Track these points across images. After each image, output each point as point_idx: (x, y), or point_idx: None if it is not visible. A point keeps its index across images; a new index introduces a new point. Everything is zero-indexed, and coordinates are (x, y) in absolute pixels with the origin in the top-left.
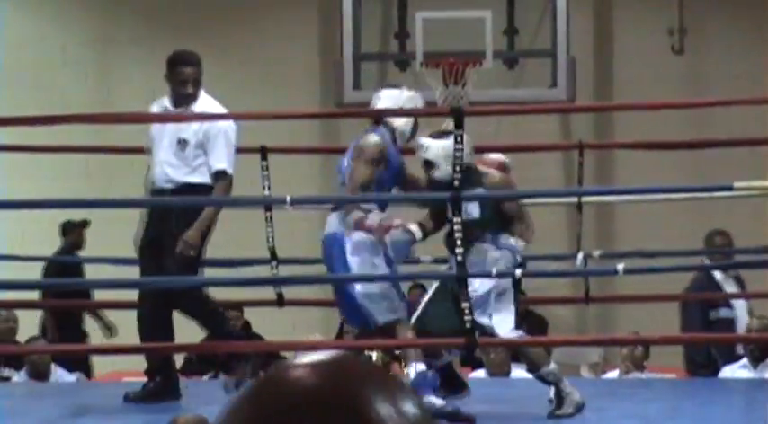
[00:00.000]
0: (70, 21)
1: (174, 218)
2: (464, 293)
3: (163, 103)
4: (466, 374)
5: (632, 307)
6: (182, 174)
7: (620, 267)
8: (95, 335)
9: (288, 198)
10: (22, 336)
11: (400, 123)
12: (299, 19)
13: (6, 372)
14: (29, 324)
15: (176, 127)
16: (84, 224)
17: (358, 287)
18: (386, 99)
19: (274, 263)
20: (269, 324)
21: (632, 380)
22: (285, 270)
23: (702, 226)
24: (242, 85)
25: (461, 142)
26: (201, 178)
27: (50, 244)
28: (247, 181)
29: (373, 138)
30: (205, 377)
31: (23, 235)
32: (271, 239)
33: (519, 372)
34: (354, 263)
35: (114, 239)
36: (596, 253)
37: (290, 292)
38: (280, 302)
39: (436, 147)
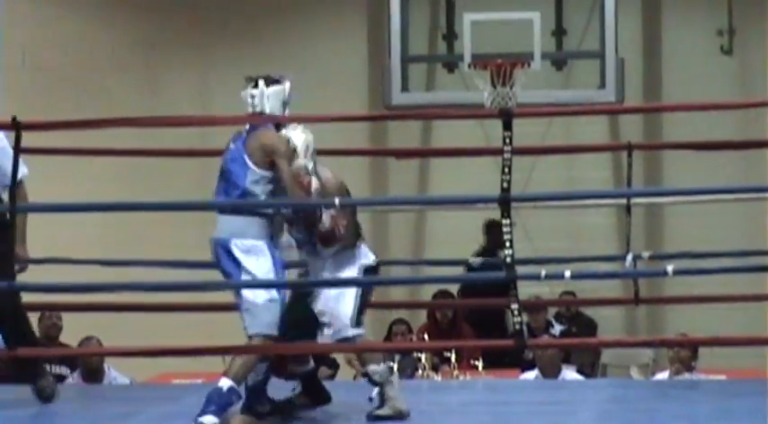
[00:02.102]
0: (119, 23)
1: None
2: (513, 294)
3: None
4: (516, 375)
5: (681, 308)
6: None
7: (670, 268)
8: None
9: (337, 201)
10: (71, 337)
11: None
12: (347, 21)
13: (59, 369)
14: (82, 325)
15: None
16: None
17: (247, 294)
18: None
19: None
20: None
21: (682, 381)
22: None
23: (751, 227)
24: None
25: (510, 144)
26: None
27: (102, 247)
28: None
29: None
30: None
31: (74, 238)
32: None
33: (570, 373)
34: (251, 267)
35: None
36: (645, 254)
37: None
38: None
39: (298, 140)
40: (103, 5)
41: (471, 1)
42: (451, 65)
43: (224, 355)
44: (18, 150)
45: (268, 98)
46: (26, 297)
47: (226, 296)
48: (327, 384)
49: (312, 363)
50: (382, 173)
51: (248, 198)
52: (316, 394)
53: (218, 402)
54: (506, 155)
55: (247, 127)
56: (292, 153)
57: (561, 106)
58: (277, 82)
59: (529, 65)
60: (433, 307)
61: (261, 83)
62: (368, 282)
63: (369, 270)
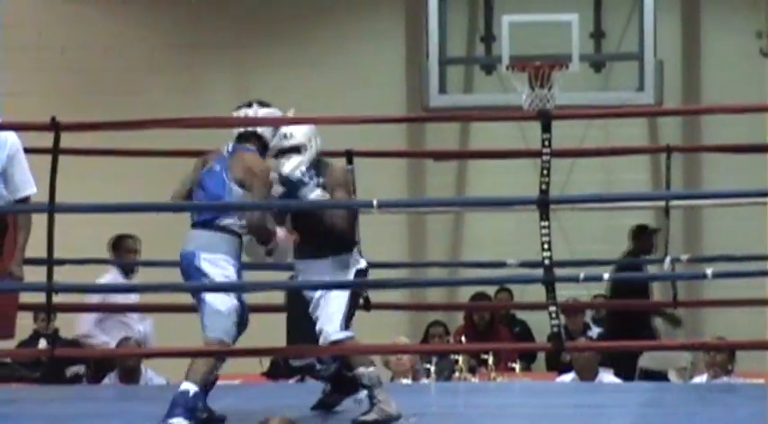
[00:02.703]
0: (159, 25)
1: None
2: (551, 297)
3: None
4: (552, 378)
5: (720, 311)
6: None
7: (710, 271)
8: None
9: (375, 202)
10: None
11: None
12: (385, 23)
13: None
14: None
15: None
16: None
17: (209, 298)
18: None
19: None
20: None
21: (719, 385)
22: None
23: None
24: (328, 89)
25: (549, 146)
26: None
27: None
28: None
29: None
30: (291, 381)
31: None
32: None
33: (608, 376)
34: (215, 276)
35: None
36: (684, 257)
37: (376, 295)
38: (366, 305)
39: (301, 132)
40: (143, 7)
41: (510, 2)
42: (489, 66)
43: (260, 356)
44: (57, 151)
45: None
46: (64, 298)
47: (262, 298)
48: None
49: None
50: (420, 175)
51: (222, 218)
52: (346, 385)
53: (184, 406)
54: (545, 157)
55: (230, 149)
56: (270, 182)
57: (600, 108)
58: (268, 105)
59: (567, 67)
60: (471, 309)
61: (255, 105)
62: (406, 283)
63: (359, 274)
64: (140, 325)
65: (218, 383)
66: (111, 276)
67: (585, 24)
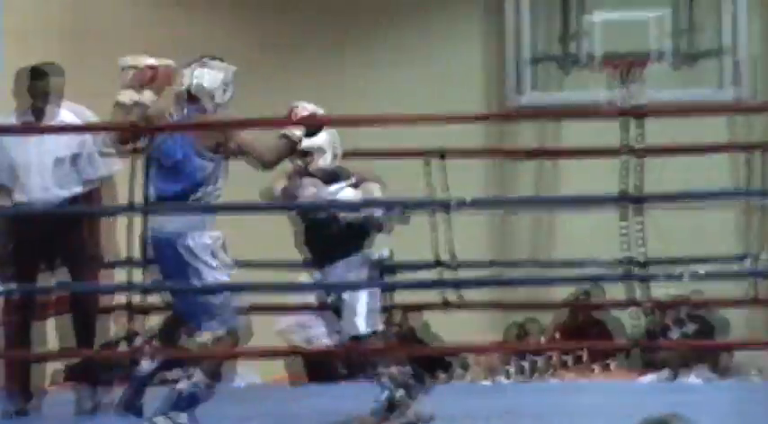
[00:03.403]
0: (251, 26)
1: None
2: (643, 295)
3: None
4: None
5: None
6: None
7: None
8: None
9: (467, 199)
10: None
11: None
12: (465, 21)
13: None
14: None
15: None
16: None
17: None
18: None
19: (446, 266)
20: (441, 327)
21: None
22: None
23: None
24: (409, 88)
25: (639, 143)
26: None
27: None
28: (411, 184)
29: None
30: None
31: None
32: (444, 242)
33: (695, 376)
34: (204, 265)
35: None
36: (765, 256)
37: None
38: (452, 304)
39: (323, 135)
40: (235, 8)
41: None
42: (571, 64)
43: (346, 356)
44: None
45: (213, 77)
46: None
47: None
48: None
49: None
50: (506, 174)
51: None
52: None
53: (186, 401)
54: (635, 155)
55: (183, 114)
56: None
57: (688, 104)
58: (220, 61)
59: (654, 63)
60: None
61: (206, 59)
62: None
63: (375, 264)
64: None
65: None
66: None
67: (672, 20)
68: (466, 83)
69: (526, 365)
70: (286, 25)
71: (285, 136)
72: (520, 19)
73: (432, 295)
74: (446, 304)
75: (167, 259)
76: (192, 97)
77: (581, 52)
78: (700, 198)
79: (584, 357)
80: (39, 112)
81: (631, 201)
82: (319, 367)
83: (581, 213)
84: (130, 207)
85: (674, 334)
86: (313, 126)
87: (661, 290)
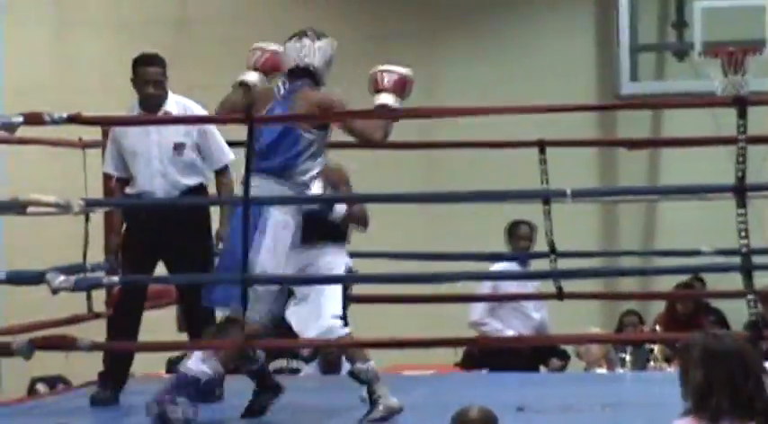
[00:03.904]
0: (346, 17)
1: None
2: (749, 284)
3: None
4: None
5: None
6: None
7: None
8: None
9: (569, 191)
10: None
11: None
12: (575, 10)
13: (295, 364)
14: None
15: (170, 132)
16: None
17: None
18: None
19: (553, 256)
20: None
21: None
22: (563, 264)
23: None
24: (516, 79)
25: (745, 132)
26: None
27: None
28: (525, 174)
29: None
30: (484, 371)
31: None
32: (550, 232)
33: None
34: (268, 244)
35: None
36: None
37: (568, 285)
38: (560, 295)
39: None
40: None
41: None
42: (682, 53)
43: (453, 347)
44: (251, 144)
45: (316, 52)
46: None
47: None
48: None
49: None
50: (612, 164)
51: (291, 167)
52: (272, 384)
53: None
54: (741, 144)
55: (284, 90)
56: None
57: None
58: (324, 35)
59: (761, 52)
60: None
61: (310, 33)
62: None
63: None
64: (537, 313)
65: (410, 373)
66: (505, 263)
67: None
68: (578, 72)
69: (626, 356)
70: (386, 14)
71: (242, 83)
72: (633, 6)
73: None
74: (559, 295)
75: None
76: (296, 72)
77: (689, 40)
78: None
79: None
80: (153, 99)
81: (744, 191)
82: None
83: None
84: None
85: None
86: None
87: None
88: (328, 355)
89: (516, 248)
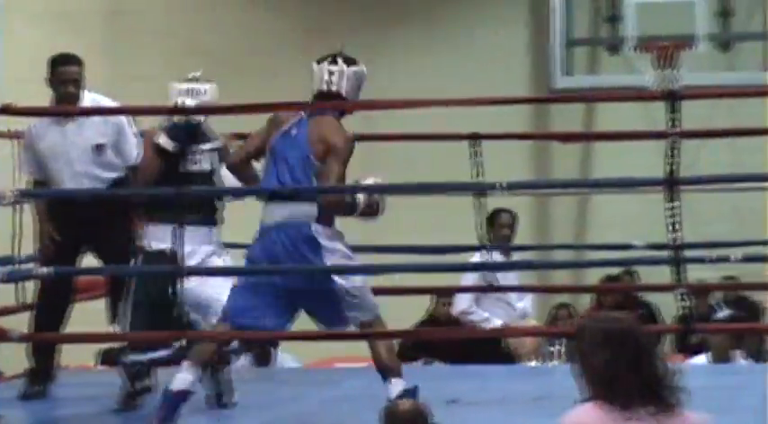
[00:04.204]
0: (287, 9)
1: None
2: (680, 278)
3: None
4: (679, 360)
5: None
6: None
7: None
8: None
9: (504, 183)
10: None
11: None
12: (510, 4)
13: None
14: None
15: (89, 133)
16: None
17: (344, 282)
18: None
19: (486, 249)
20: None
21: None
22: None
23: None
24: (452, 72)
25: (677, 126)
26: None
27: None
28: (457, 167)
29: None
30: (418, 363)
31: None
32: (483, 225)
33: (738, 359)
34: (335, 256)
35: None
36: None
37: (501, 278)
38: (492, 288)
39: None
40: None
41: None
42: (615, 47)
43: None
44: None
45: (348, 78)
46: None
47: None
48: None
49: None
50: (545, 157)
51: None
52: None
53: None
54: (672, 138)
55: (306, 113)
56: (349, 154)
57: (726, 88)
58: (355, 62)
59: (693, 47)
60: (598, 291)
61: (340, 60)
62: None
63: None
64: (520, 302)
65: (346, 365)
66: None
67: (711, 4)
68: (512, 66)
69: (555, 349)
70: (326, 6)
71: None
72: (566, 1)
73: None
74: (492, 288)
75: (294, 251)
76: (324, 95)
77: (622, 35)
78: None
79: None
80: (72, 98)
81: (675, 184)
82: None
83: (624, 196)
84: None
85: (719, 317)
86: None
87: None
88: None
89: (497, 236)
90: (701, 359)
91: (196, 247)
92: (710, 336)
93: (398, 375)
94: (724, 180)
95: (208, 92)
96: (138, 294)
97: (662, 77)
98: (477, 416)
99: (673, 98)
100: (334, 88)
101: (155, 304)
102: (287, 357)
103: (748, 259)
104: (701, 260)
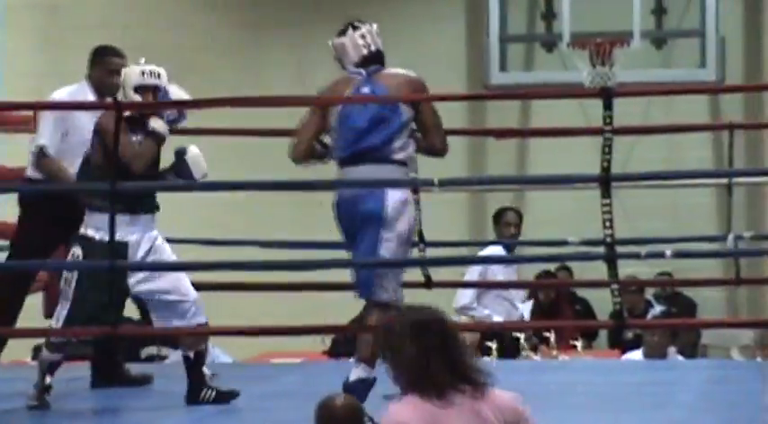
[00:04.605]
0: (221, 5)
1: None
2: (612, 274)
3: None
4: (615, 356)
5: None
6: None
7: None
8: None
9: (436, 180)
10: None
11: None
12: (446, 1)
13: (164, 351)
14: None
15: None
16: None
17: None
18: None
19: (422, 245)
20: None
21: None
22: (432, 253)
23: None
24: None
25: (611, 123)
26: None
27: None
28: None
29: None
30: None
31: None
32: (418, 222)
33: (672, 354)
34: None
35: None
36: (747, 235)
37: (437, 274)
38: (428, 284)
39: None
40: None
41: None
42: (550, 44)
43: (321, 334)
44: (118, 131)
45: (378, 33)
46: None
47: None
48: None
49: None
50: (480, 153)
51: (389, 147)
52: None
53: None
54: (606, 135)
55: (364, 72)
56: None
57: (661, 85)
58: (361, 24)
59: (628, 44)
60: (533, 287)
61: (360, 24)
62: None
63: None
64: (522, 305)
65: (278, 361)
66: (493, 249)
67: (647, 1)
68: (448, 62)
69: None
70: (259, 1)
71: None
72: None
73: (408, 275)
74: (427, 284)
75: (355, 220)
76: (368, 59)
77: (558, 32)
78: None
79: (552, 338)
80: (116, 89)
81: (609, 181)
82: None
83: (559, 192)
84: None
85: (654, 312)
86: None
87: (630, 269)
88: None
89: (502, 234)
90: (635, 355)
91: (141, 235)
92: (645, 332)
93: (368, 363)
94: (658, 177)
95: (162, 75)
96: (82, 287)
97: (597, 74)
98: None
99: (607, 95)
100: (373, 48)
101: (99, 299)
102: (218, 351)
103: (680, 255)
104: (636, 256)
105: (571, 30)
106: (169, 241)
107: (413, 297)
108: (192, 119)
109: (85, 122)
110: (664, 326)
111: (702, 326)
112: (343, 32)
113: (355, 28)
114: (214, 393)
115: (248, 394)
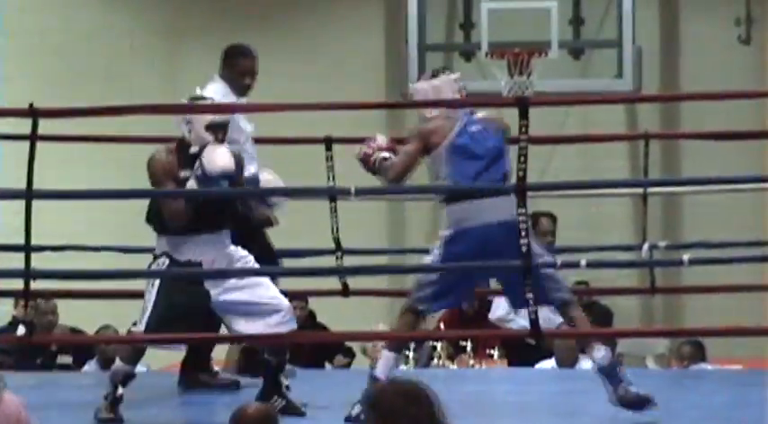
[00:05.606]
0: (140, 11)
1: None
2: (528, 283)
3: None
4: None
5: (698, 298)
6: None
7: (686, 257)
8: None
9: (352, 189)
10: (89, 325)
11: None
12: (364, 9)
13: (65, 359)
14: (97, 314)
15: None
16: None
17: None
18: None
19: (339, 253)
20: (334, 315)
21: (698, 371)
22: (350, 261)
23: None
24: (307, 76)
25: (526, 133)
26: None
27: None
28: (313, 171)
29: None
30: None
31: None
32: (335, 229)
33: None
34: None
35: None
36: (662, 244)
37: (354, 282)
38: (345, 292)
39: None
40: None
41: None
42: (469, 53)
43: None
44: (35, 137)
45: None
46: (41, 284)
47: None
48: (344, 373)
49: None
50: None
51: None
52: None
53: None
54: (522, 144)
55: (467, 113)
56: None
57: (578, 95)
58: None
59: (546, 54)
60: None
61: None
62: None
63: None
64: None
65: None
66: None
67: (564, 11)
68: (367, 71)
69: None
70: (183, 9)
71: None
72: (421, 7)
73: (326, 283)
74: (345, 292)
75: (504, 244)
76: None
77: (476, 41)
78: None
79: (468, 347)
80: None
81: (525, 190)
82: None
83: None
84: None
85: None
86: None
87: None
88: (106, 351)
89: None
90: (548, 364)
91: (216, 254)
92: (557, 341)
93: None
94: (575, 186)
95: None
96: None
97: (515, 84)
98: (328, 419)
99: (523, 104)
100: (463, 91)
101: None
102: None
103: (596, 264)
104: (551, 266)
105: (489, 40)
106: (81, 248)
107: (327, 306)
108: (112, 126)
109: None
110: (579, 335)
111: (618, 335)
112: (434, 75)
113: (447, 73)
114: (284, 403)
115: (163, 404)
